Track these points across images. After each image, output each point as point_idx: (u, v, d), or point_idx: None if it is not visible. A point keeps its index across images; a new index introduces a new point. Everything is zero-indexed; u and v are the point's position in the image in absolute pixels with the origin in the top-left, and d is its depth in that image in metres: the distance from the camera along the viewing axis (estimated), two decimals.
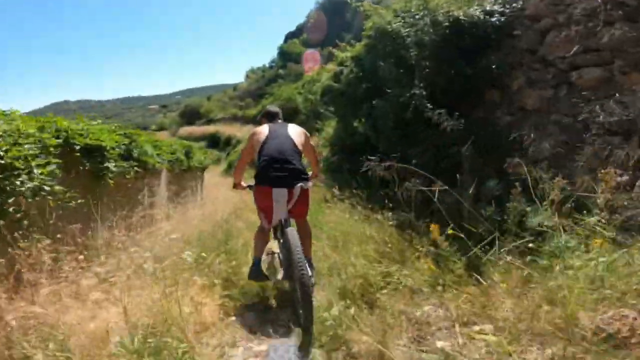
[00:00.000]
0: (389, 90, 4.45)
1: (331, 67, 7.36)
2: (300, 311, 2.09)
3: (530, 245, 2.30)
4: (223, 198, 8.08)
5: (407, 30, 4.58)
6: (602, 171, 2.24)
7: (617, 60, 3.16)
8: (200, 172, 10.04)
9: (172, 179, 6.67)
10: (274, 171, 2.58)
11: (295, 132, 2.90)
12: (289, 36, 41.52)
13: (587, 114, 3.18)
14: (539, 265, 2.19)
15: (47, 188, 2.97)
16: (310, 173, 3.00)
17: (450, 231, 2.64)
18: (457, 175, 3.43)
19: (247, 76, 42.59)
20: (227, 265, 3.15)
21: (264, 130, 2.87)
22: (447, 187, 2.83)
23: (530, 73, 3.97)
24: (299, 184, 2.60)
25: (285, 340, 1.64)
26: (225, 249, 3.59)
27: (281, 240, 2.87)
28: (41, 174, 2.90)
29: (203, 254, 2.84)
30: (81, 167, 3.69)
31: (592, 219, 2.10)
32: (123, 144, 4.64)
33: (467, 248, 2.55)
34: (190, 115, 40.71)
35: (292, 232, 2.44)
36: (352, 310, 2.12)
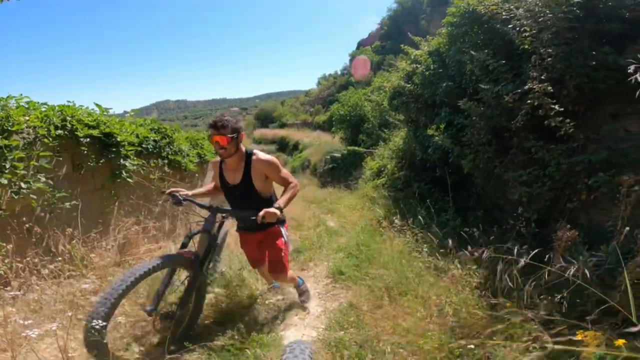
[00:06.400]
0: (484, 87, 3.11)
1: (403, 65, 6.11)
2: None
3: None
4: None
5: (511, 8, 3.22)
6: None
7: None
8: None
9: None
10: None
11: None
12: (361, 44, 40.78)
13: None
14: None
15: (24, 186, 2.42)
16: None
17: (619, 342, 1.37)
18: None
19: (319, 82, 42.88)
20: None
21: None
22: None
23: None
24: None
25: (301, 341, 1.39)
26: None
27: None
28: (16, 168, 2.34)
29: None
30: (90, 163, 3.16)
31: None
32: (153, 140, 4.13)
33: None
34: (265, 119, 42.46)
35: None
36: None
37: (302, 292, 2.96)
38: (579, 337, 1.47)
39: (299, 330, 2.61)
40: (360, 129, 13.84)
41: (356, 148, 12.95)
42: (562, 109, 2.52)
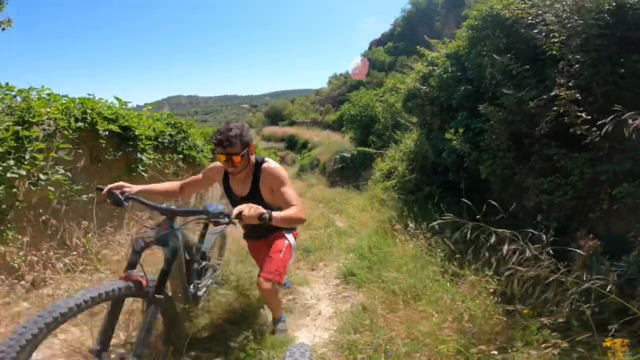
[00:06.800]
0: (506, 92, 3.05)
1: (419, 67, 6.05)
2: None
3: None
4: None
5: (539, 13, 3.16)
6: None
7: None
8: None
9: None
10: None
11: None
12: (374, 44, 40.60)
13: None
14: None
15: (43, 177, 2.44)
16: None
17: None
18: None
19: (330, 82, 42.83)
20: None
21: None
22: None
23: None
24: None
25: (301, 344, 1.38)
26: None
27: None
28: (35, 159, 2.36)
29: None
30: (107, 156, 3.18)
31: None
32: (169, 135, 4.15)
33: None
34: (274, 116, 42.54)
35: None
36: None
37: (277, 331, 2.39)
38: (607, 344, 1.44)
39: (311, 332, 2.59)
40: (371, 129, 13.78)
41: (366, 149, 12.89)
42: (589, 117, 2.45)
